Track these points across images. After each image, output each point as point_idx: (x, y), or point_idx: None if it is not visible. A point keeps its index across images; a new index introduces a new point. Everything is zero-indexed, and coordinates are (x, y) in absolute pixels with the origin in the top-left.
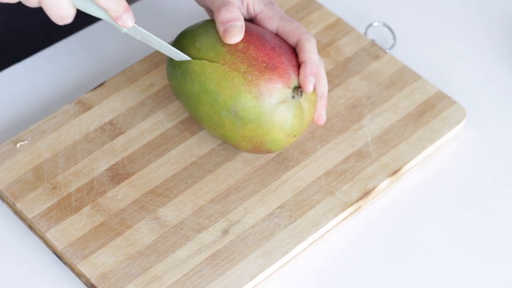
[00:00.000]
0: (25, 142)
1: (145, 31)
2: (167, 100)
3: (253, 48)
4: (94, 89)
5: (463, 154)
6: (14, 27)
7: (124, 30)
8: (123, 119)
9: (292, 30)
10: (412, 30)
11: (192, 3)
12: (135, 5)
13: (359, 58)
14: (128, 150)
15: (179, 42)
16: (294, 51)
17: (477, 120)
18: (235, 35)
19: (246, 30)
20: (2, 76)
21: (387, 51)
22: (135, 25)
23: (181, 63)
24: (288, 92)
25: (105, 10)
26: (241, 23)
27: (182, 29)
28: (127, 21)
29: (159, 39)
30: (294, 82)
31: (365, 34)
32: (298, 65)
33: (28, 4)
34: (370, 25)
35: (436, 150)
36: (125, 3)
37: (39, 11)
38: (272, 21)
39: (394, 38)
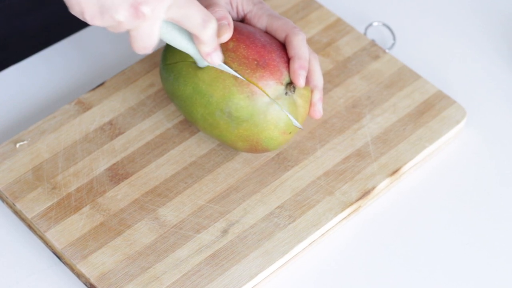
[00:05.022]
0: (25, 142)
1: (231, 70)
2: (167, 100)
3: (244, 46)
4: (94, 89)
5: (462, 154)
6: (14, 27)
7: (205, 65)
8: (122, 119)
9: (280, 26)
10: (411, 30)
11: None
12: None
13: (359, 58)
14: (128, 150)
15: (171, 45)
16: (285, 48)
17: (477, 120)
18: (223, 33)
19: (236, 29)
20: (2, 76)
21: (387, 51)
22: (222, 63)
23: (174, 66)
24: (281, 88)
25: (199, 44)
26: (228, 21)
27: None
28: (217, 59)
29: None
30: (286, 79)
31: (365, 34)
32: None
33: (115, 30)
34: (370, 25)
35: (435, 150)
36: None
37: (39, 11)
38: (261, 20)
39: (394, 38)
